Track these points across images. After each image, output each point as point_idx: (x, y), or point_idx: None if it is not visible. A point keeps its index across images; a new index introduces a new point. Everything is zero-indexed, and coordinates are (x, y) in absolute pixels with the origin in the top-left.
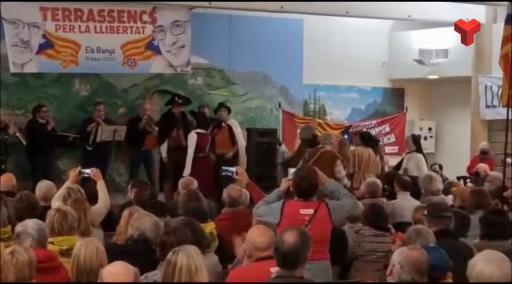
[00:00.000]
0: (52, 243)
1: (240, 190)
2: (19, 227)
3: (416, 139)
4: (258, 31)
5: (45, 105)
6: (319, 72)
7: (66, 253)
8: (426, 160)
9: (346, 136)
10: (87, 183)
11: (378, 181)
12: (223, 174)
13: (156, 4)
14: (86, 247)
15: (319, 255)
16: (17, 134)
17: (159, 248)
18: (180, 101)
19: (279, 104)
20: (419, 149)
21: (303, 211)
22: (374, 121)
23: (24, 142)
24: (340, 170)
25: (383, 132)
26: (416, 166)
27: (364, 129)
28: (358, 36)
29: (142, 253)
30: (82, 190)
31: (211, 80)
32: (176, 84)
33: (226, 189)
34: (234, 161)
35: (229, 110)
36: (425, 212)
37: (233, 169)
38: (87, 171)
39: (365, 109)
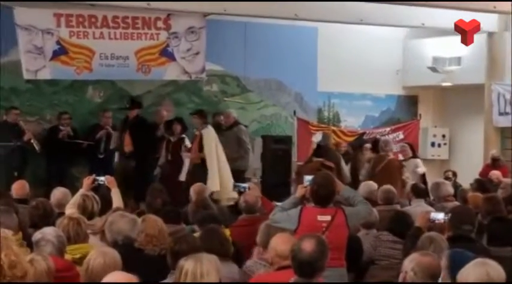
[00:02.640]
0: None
1: (256, 197)
2: (37, 234)
3: (412, 146)
4: (273, 38)
5: (67, 112)
6: (333, 80)
7: (79, 261)
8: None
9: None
10: (101, 190)
11: (393, 188)
12: (235, 189)
13: (170, 11)
14: (102, 256)
15: (336, 262)
16: (32, 141)
17: (170, 257)
18: (127, 106)
19: (294, 112)
20: (415, 156)
21: (320, 218)
22: (388, 129)
23: (37, 149)
24: (408, 176)
25: (397, 139)
26: (412, 172)
27: (378, 136)
28: (372, 43)
29: (135, 260)
30: (97, 197)
31: (227, 87)
32: (191, 91)
33: (243, 196)
34: (202, 169)
35: (201, 117)
36: (450, 216)
37: (245, 185)
38: (102, 178)
39: (379, 117)
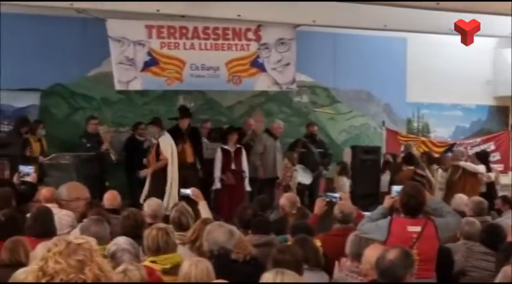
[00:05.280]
0: (154, 262)
1: (352, 207)
2: (111, 246)
3: (481, 156)
4: (362, 49)
5: (143, 122)
6: (422, 90)
7: (170, 271)
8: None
9: (450, 155)
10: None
11: (484, 200)
12: (327, 199)
13: (260, 22)
14: (196, 266)
15: (426, 273)
16: (109, 151)
17: (272, 267)
18: (178, 115)
19: (383, 122)
20: (486, 165)
21: (410, 229)
22: (478, 139)
23: (114, 159)
24: (490, 176)
25: (488, 150)
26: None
27: (469, 147)
28: (461, 53)
29: (229, 271)
30: (191, 212)
31: (316, 98)
32: (281, 102)
33: (338, 205)
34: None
35: (158, 125)
36: None
37: (337, 195)
38: (188, 191)
39: (469, 127)
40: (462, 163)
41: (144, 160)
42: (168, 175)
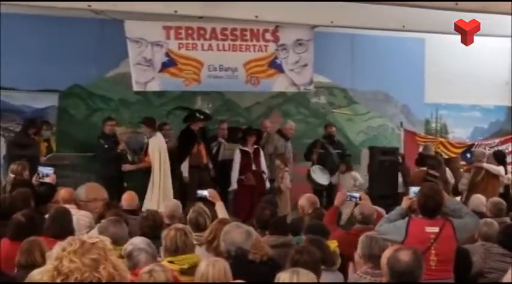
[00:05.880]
0: (172, 262)
1: (373, 208)
2: (128, 246)
3: (498, 156)
4: (380, 50)
5: (167, 123)
6: (440, 91)
7: (187, 272)
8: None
9: (468, 155)
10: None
11: (503, 201)
12: (348, 199)
13: (278, 23)
14: (213, 266)
15: (444, 274)
16: (126, 151)
17: (290, 267)
18: (201, 117)
19: (401, 123)
20: (503, 165)
21: (428, 229)
22: (497, 140)
23: (130, 160)
24: (510, 177)
25: (506, 151)
26: None
27: (487, 148)
28: (480, 54)
29: (250, 272)
30: (208, 212)
31: (334, 99)
32: (299, 103)
33: (359, 207)
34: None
35: (149, 125)
36: None
37: (357, 195)
38: (205, 192)
39: (488, 128)
40: (485, 165)
41: (136, 158)
42: (154, 176)
